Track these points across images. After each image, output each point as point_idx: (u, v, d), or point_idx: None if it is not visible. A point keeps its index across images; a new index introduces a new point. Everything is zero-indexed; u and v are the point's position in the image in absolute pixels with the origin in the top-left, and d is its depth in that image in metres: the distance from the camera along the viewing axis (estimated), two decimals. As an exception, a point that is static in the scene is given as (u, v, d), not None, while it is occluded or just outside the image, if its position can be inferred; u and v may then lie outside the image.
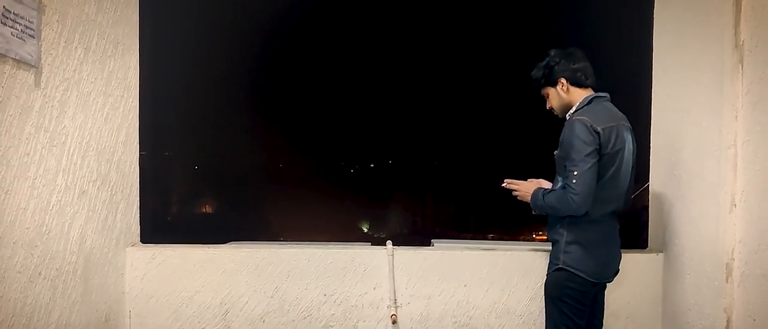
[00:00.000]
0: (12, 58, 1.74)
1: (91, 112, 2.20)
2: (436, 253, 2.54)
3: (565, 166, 1.89)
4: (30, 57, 1.82)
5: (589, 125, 1.84)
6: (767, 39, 1.87)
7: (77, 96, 2.10)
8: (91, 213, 2.20)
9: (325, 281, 2.52)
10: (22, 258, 1.82)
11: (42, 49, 1.90)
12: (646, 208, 2.58)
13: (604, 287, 2.11)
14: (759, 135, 1.89)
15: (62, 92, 2.01)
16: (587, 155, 1.83)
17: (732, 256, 1.98)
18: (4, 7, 1.70)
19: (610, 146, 1.87)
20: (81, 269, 2.14)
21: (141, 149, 2.58)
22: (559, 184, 1.93)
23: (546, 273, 2.05)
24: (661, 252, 2.45)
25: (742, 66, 1.95)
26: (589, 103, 1.97)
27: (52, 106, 1.96)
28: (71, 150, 2.08)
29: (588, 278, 1.91)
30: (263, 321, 2.52)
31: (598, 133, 1.84)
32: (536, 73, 2.08)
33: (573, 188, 1.83)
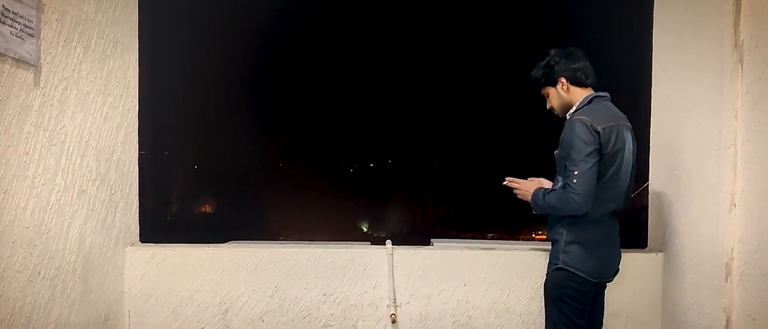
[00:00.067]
0: (11, 57, 1.74)
1: (91, 111, 2.20)
2: (435, 252, 2.54)
3: (566, 166, 1.89)
4: (29, 56, 1.82)
5: (589, 124, 1.84)
6: (767, 39, 1.87)
7: (76, 95, 2.10)
8: (90, 213, 2.20)
9: (324, 280, 2.52)
10: (21, 258, 1.82)
11: (41, 48, 1.90)
12: (646, 208, 2.58)
13: (604, 286, 2.11)
14: (759, 135, 1.89)
15: (61, 91, 2.01)
16: (588, 155, 1.83)
17: (731, 256, 1.98)
18: (3, 6, 1.70)
19: (611, 145, 1.87)
20: (80, 268, 2.14)
21: (140, 149, 2.58)
22: (560, 184, 1.93)
23: (546, 272, 2.05)
24: (661, 251, 2.45)
25: (741, 66, 1.95)
26: (589, 102, 1.97)
27: (51, 105, 1.96)
28: (70, 149, 2.07)
29: (588, 277, 1.91)
30: (263, 321, 2.52)
31: (598, 132, 1.84)
32: (536, 72, 2.08)
33: (573, 188, 1.83)
